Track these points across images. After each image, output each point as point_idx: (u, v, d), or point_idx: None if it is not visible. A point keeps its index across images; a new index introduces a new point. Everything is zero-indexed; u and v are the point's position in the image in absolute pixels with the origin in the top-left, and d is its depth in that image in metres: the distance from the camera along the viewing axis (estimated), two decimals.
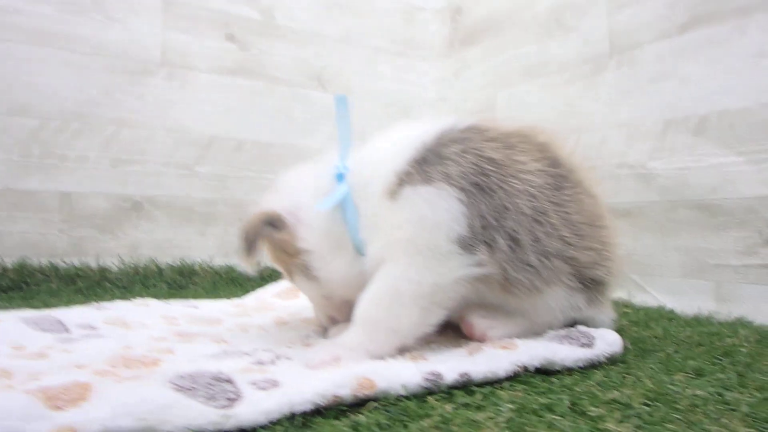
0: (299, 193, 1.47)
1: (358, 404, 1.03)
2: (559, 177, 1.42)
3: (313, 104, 3.42)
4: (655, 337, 1.70)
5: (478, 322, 1.45)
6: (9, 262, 2.53)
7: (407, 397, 1.08)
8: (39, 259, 2.61)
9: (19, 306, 1.98)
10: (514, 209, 1.33)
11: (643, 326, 1.88)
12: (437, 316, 1.33)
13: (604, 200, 1.57)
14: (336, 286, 1.46)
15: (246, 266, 1.38)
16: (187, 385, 0.92)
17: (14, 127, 2.62)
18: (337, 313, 1.54)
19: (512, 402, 1.07)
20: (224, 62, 3.17)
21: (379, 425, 0.95)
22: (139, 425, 0.81)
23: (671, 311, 2.20)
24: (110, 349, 1.30)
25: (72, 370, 1.08)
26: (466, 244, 1.28)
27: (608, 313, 1.58)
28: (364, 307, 1.32)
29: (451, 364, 1.17)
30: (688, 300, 2.28)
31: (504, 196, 1.32)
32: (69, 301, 2.13)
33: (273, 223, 1.43)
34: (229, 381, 0.97)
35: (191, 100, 3.06)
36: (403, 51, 3.79)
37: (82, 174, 2.77)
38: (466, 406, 1.06)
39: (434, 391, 1.12)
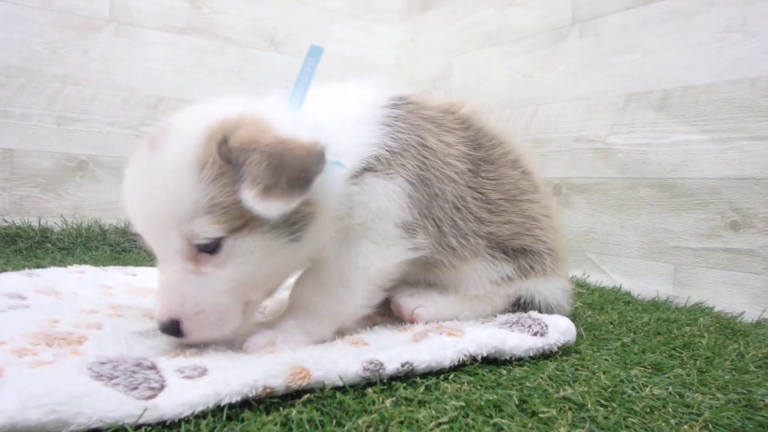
0: (325, 132, 1.21)
1: (292, 395, 0.96)
2: (479, 160, 1.47)
3: (265, 66, 3.34)
4: (611, 323, 1.65)
5: (406, 302, 1.45)
6: None
7: (344, 389, 1.00)
8: (2, 218, 2.60)
9: None
10: (442, 196, 1.37)
11: (598, 310, 1.83)
12: (379, 298, 1.34)
13: (534, 171, 1.59)
14: (303, 259, 1.27)
15: (271, 207, 1.05)
16: (107, 373, 0.88)
17: None
18: (256, 300, 1.25)
19: (457, 397, 1.00)
20: (174, 20, 3.10)
21: (311, 422, 0.88)
22: (49, 418, 0.77)
23: (628, 293, 2.16)
24: (35, 323, 1.26)
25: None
26: (409, 229, 1.31)
27: (559, 283, 1.55)
28: (305, 292, 1.30)
29: (394, 352, 1.10)
30: (645, 282, 2.22)
31: (437, 184, 1.36)
32: (7, 262, 2.10)
33: (325, 158, 1.13)
34: (153, 368, 0.94)
35: (139, 58, 2.99)
36: (359, 13, 3.71)
37: (26, 131, 2.72)
38: (408, 400, 0.99)
39: (374, 382, 1.04)
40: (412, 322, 1.41)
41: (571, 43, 2.61)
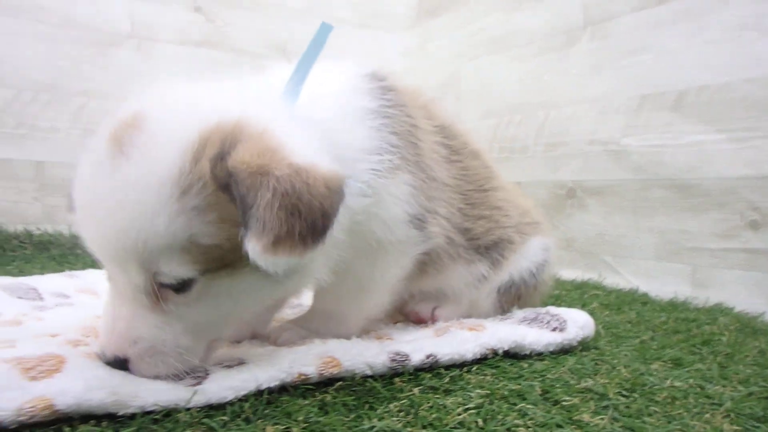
0: (313, 147, 0.97)
1: (325, 383, 0.99)
2: (451, 149, 1.38)
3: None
4: (629, 322, 1.65)
5: (422, 306, 1.45)
6: None
7: (373, 378, 1.03)
8: (14, 226, 2.67)
9: None
10: (435, 181, 1.28)
11: (615, 310, 1.83)
12: (401, 287, 1.29)
13: (488, 157, 1.52)
14: (286, 293, 1.15)
15: (280, 262, 0.85)
16: None
17: None
18: (226, 337, 1.11)
19: (481, 387, 1.02)
20: (191, 34, 3.17)
21: (345, 406, 0.91)
22: (110, 399, 0.79)
23: (645, 294, 2.14)
24: (81, 318, 1.27)
25: (45, 339, 1.06)
26: (419, 220, 1.22)
27: (533, 245, 1.50)
28: (327, 303, 1.26)
29: (418, 345, 1.13)
30: (662, 283, 2.21)
31: (432, 166, 1.28)
32: (43, 268, 2.13)
33: (345, 193, 0.94)
34: None
35: (158, 71, 3.03)
36: (368, 22, 3.74)
37: (54, 144, 2.81)
38: (434, 389, 1.01)
39: (400, 373, 1.06)
40: (433, 321, 1.41)
41: (582, 45, 2.61)
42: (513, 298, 1.49)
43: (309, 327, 1.23)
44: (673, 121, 2.21)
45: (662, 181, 2.24)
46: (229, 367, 0.96)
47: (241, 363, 0.98)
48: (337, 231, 0.98)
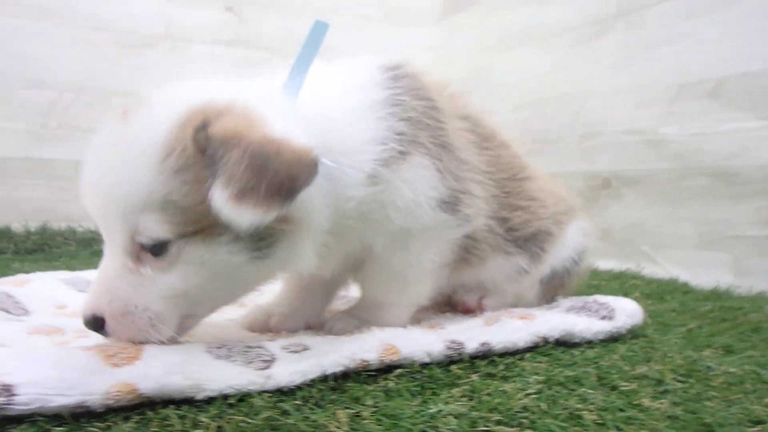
0: (301, 132, 1.00)
1: (384, 371, 1.01)
2: (480, 137, 1.35)
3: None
4: (673, 311, 1.65)
5: (467, 297, 1.46)
6: (32, 226, 2.69)
7: (430, 365, 1.04)
8: (58, 223, 2.74)
9: (44, 267, 2.05)
10: (466, 163, 1.26)
11: (657, 299, 1.83)
12: (445, 272, 1.29)
13: (518, 148, 1.50)
14: (266, 277, 1.09)
15: (244, 215, 0.87)
16: (224, 354, 0.93)
17: (32, 100, 2.79)
18: (201, 315, 1.08)
19: (537, 373, 1.03)
20: (223, 34, 3.23)
21: (409, 391, 0.93)
22: (188, 383, 0.83)
23: (685, 284, 2.13)
24: None
25: None
26: (450, 206, 1.20)
27: (571, 232, 1.51)
28: (372, 292, 1.29)
29: (471, 334, 1.14)
30: (702, 272, 2.20)
31: (458, 148, 1.25)
32: (88, 263, 2.14)
33: (317, 169, 0.94)
34: (261, 347, 0.98)
35: (191, 71, 3.09)
36: (394, 18, 3.76)
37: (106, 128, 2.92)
38: (491, 375, 1.03)
39: (456, 360, 1.08)
40: (480, 311, 1.42)
41: (615, 35, 2.60)
42: (556, 287, 1.50)
43: (360, 317, 1.25)
44: (712, 109, 2.19)
45: (702, 170, 2.22)
46: (295, 352, 0.99)
47: (305, 349, 1.00)
48: (334, 218, 1.07)
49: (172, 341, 0.97)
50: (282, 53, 3.29)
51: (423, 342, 1.06)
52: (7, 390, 0.75)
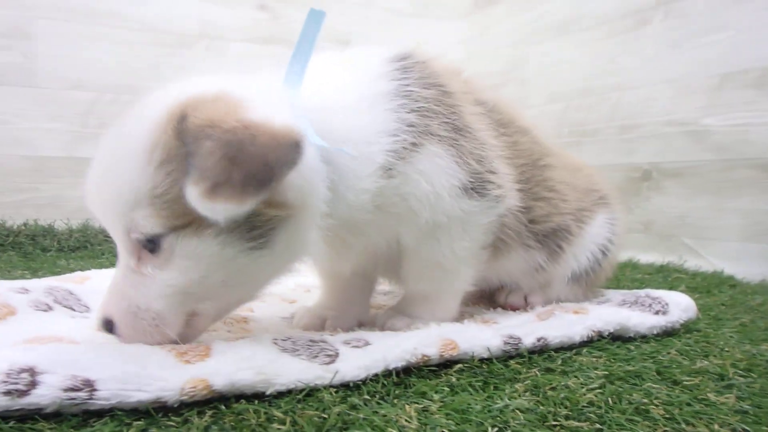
0: (290, 115, 1.00)
1: (444, 365, 1.01)
2: (496, 122, 1.31)
3: None
4: (723, 305, 1.63)
5: (512, 297, 1.46)
6: (74, 224, 2.73)
7: (489, 360, 1.04)
8: (99, 222, 2.73)
9: (89, 263, 2.14)
10: (488, 144, 1.23)
11: (704, 293, 1.81)
12: (484, 256, 1.27)
13: (541, 134, 1.47)
14: (276, 271, 1.04)
15: (220, 209, 0.86)
16: (290, 347, 0.95)
17: (74, 100, 2.85)
18: (208, 313, 1.02)
19: (595, 368, 1.03)
20: (257, 31, 3.26)
21: (472, 386, 0.93)
22: (258, 378, 0.84)
23: (731, 277, 2.11)
24: None
25: None
26: (476, 190, 1.17)
27: (596, 225, 1.48)
28: (414, 285, 1.28)
29: (527, 329, 1.14)
30: (748, 265, 2.17)
31: (477, 130, 1.21)
32: None
33: (301, 150, 0.90)
34: (324, 341, 1.00)
35: (228, 69, 3.12)
36: (425, 12, 3.76)
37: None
38: (550, 371, 1.02)
39: (513, 355, 1.08)
40: (531, 305, 1.42)
41: (655, 25, 2.58)
42: (588, 285, 1.48)
43: (410, 312, 1.25)
44: (758, 99, 2.17)
45: (747, 161, 2.20)
46: (357, 347, 1.00)
47: (367, 344, 1.02)
48: (346, 210, 1.06)
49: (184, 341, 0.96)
50: (315, 49, 3.30)
51: (481, 337, 1.06)
52: (89, 385, 0.76)
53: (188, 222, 0.90)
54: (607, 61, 2.81)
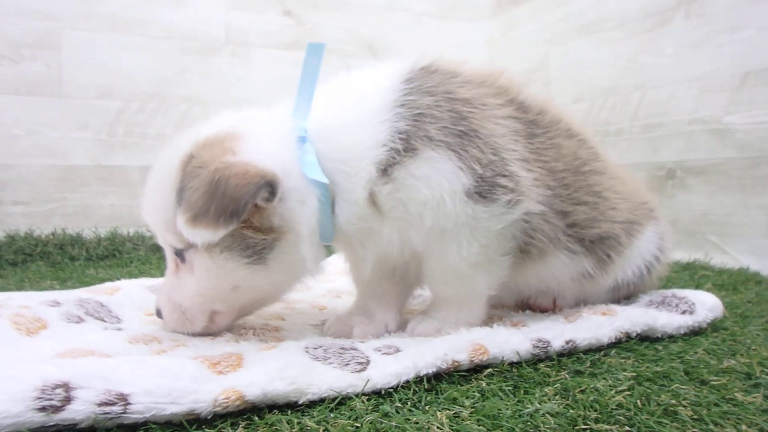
0: (282, 154, 1.15)
1: (473, 370, 1.02)
2: (530, 123, 1.30)
3: None
4: (749, 302, 1.63)
5: (542, 298, 1.45)
6: (102, 232, 2.77)
7: (519, 364, 1.06)
8: (127, 229, 2.81)
9: (118, 272, 2.16)
10: (503, 148, 1.20)
11: (731, 290, 1.81)
12: (506, 262, 1.26)
13: (590, 137, 1.45)
14: (280, 281, 1.21)
15: (199, 235, 1.06)
16: (321, 355, 0.99)
17: (101, 109, 2.87)
18: (227, 312, 1.22)
19: (624, 370, 1.03)
20: (282, 37, 3.27)
21: (503, 391, 0.94)
22: (290, 388, 0.86)
23: (757, 273, 2.10)
24: None
25: (208, 340, 1.17)
26: (483, 195, 1.16)
27: (645, 239, 1.45)
28: (436, 289, 1.30)
29: (557, 331, 1.15)
30: None
31: (487, 134, 1.19)
32: (159, 268, 2.25)
33: (273, 186, 1.08)
34: (355, 348, 1.02)
35: (253, 75, 3.18)
36: (449, 14, 3.75)
37: (161, 150, 3.04)
38: (579, 373, 1.03)
39: (542, 358, 1.09)
40: (556, 310, 1.42)
41: (676, 25, 2.57)
42: (627, 295, 1.48)
43: (437, 316, 1.25)
44: None
45: None
46: (387, 354, 1.01)
47: (397, 350, 1.03)
48: (348, 225, 1.17)
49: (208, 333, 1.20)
50: (340, 53, 3.36)
51: (511, 341, 1.07)
52: (123, 399, 0.77)
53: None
54: (629, 60, 2.81)
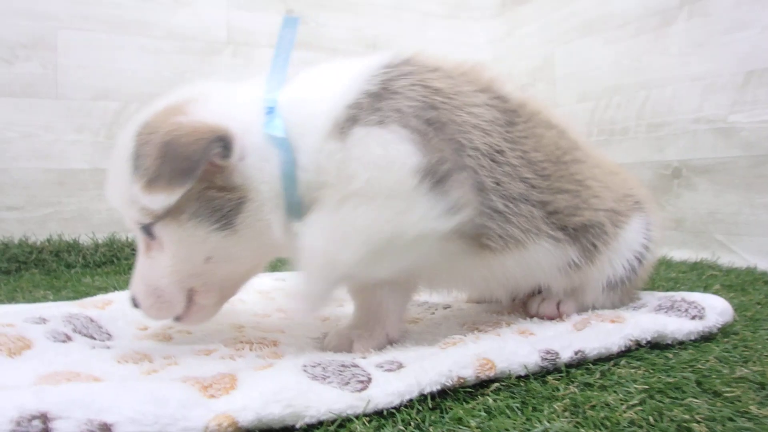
0: (241, 113, 1.13)
1: (480, 385, 0.98)
2: (509, 112, 1.25)
3: None
4: (759, 304, 1.59)
5: (545, 306, 1.42)
6: (100, 238, 2.71)
7: (527, 377, 1.02)
8: (126, 234, 2.76)
9: (115, 280, 2.14)
10: (469, 145, 1.15)
11: (739, 291, 1.77)
12: (413, 289, 1.29)
13: (569, 127, 1.39)
14: (253, 249, 1.17)
15: (158, 200, 1.03)
16: (320, 373, 0.93)
17: (99, 111, 2.82)
18: (205, 289, 1.19)
19: (634, 381, 1.00)
20: None
21: (510, 408, 0.90)
22: (287, 411, 0.82)
23: (764, 273, 2.06)
24: (224, 331, 1.36)
25: (202, 357, 1.16)
26: (435, 176, 1.07)
27: (632, 229, 1.41)
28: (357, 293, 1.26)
29: (564, 341, 1.11)
30: None
31: (457, 129, 1.14)
32: None
33: (226, 142, 1.06)
34: (355, 365, 0.97)
35: (256, 75, 3.16)
36: (454, 13, 3.74)
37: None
38: (588, 386, 0.99)
39: (551, 370, 1.06)
40: (561, 317, 1.37)
41: (680, 24, 2.55)
42: (622, 294, 1.43)
43: (352, 329, 1.24)
44: None
45: None
46: (390, 371, 0.97)
47: (400, 366, 0.98)
48: (269, 190, 1.11)
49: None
50: (344, 53, 3.28)
51: (519, 354, 1.03)
52: (106, 429, 0.73)
53: (165, 212, 1.07)
54: (633, 59, 2.79)
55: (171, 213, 1.07)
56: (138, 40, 2.88)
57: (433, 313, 1.55)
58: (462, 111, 1.17)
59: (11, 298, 1.81)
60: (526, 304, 1.46)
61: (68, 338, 1.19)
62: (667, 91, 2.61)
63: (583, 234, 1.32)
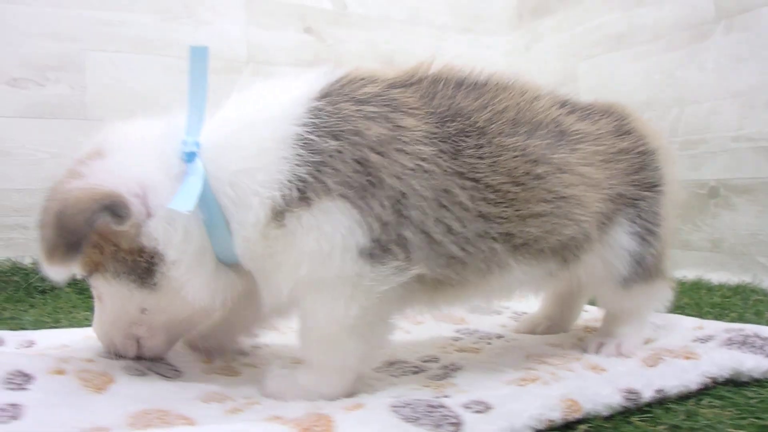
0: (145, 168, 1.07)
1: (567, 426, 0.95)
2: (456, 135, 1.13)
3: None
4: None
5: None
6: None
7: (612, 417, 0.99)
8: None
9: None
10: (411, 195, 1.07)
11: None
12: (384, 332, 1.15)
13: (548, 118, 1.27)
14: (185, 301, 1.09)
15: (56, 271, 1.00)
16: (410, 415, 0.89)
17: None
18: (149, 335, 1.17)
19: (721, 422, 0.95)
20: (303, 54, 3.24)
21: None
22: None
23: None
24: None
25: None
26: (374, 255, 1.05)
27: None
28: (305, 350, 1.15)
29: (642, 380, 1.08)
30: None
31: (395, 181, 1.06)
32: None
33: (114, 209, 0.99)
34: (442, 406, 0.92)
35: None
36: (470, 26, 3.72)
37: None
38: (677, 428, 0.95)
39: (633, 410, 1.02)
40: (622, 355, 1.33)
41: (717, 39, 2.51)
42: (645, 283, 1.36)
43: (297, 380, 1.13)
44: None
45: None
46: (479, 412, 0.92)
47: (488, 408, 0.94)
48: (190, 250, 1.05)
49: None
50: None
51: (602, 394, 1.00)
52: None
53: (93, 268, 1.08)
54: (666, 75, 2.74)
55: (98, 269, 1.08)
56: (161, 59, 2.88)
57: (489, 343, 1.51)
58: (402, 154, 1.08)
59: (56, 320, 1.78)
60: (585, 347, 1.41)
61: (143, 372, 1.15)
62: (703, 107, 2.56)
63: (561, 251, 1.24)
